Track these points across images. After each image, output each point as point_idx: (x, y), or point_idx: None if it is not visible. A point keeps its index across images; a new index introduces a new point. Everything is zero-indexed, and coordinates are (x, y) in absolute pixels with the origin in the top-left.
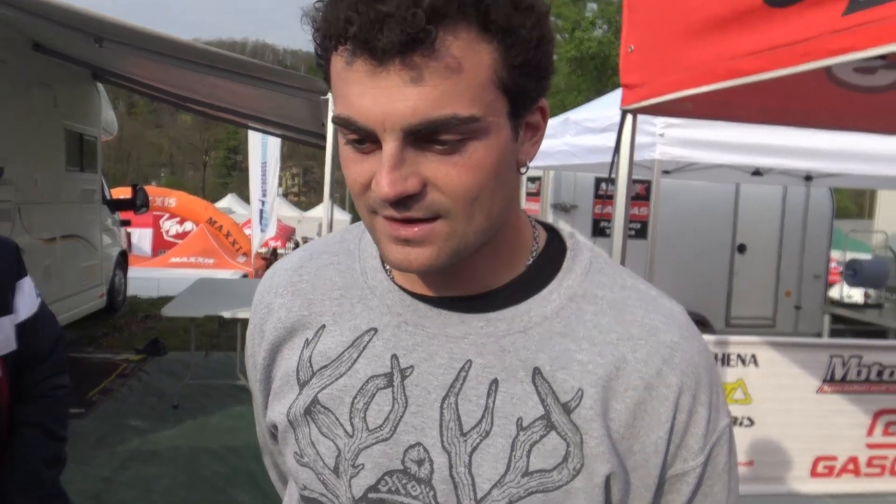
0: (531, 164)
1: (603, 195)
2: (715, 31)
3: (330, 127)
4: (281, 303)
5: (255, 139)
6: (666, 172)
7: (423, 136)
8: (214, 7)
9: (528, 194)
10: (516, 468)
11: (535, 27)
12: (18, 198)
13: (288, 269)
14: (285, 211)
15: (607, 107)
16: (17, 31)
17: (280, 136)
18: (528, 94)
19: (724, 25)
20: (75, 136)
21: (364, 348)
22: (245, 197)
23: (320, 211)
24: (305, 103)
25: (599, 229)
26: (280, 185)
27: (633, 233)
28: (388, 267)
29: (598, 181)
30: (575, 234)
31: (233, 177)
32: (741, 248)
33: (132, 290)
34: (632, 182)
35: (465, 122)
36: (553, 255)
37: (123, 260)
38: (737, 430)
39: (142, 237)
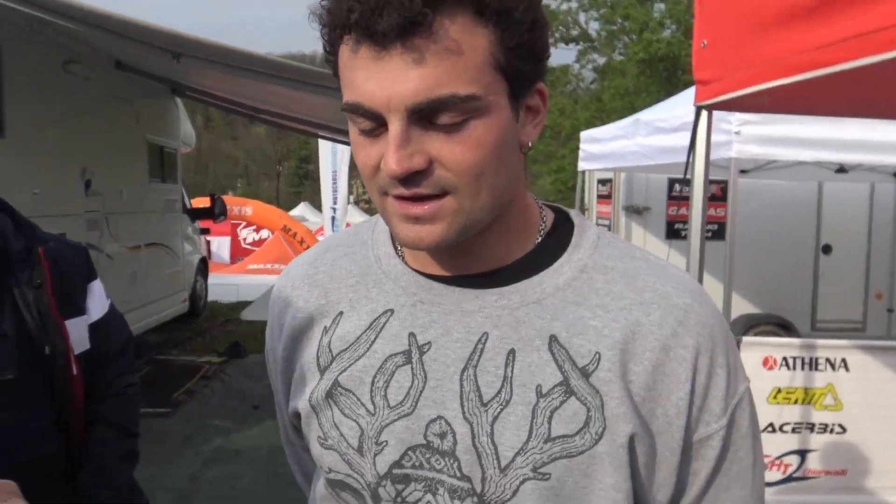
0: (603, 167)
1: (677, 196)
2: (792, 21)
3: None
4: (298, 294)
5: (325, 148)
6: (743, 172)
7: (426, 116)
8: (280, 22)
9: (600, 197)
10: (538, 435)
11: (528, 10)
12: (106, 208)
13: (304, 263)
14: (356, 217)
15: (679, 106)
16: (100, 51)
17: (349, 143)
18: (525, 75)
19: (802, 15)
20: (157, 148)
21: (381, 329)
22: (317, 205)
23: None
24: None
25: (674, 231)
26: (350, 192)
27: (709, 234)
28: (400, 252)
29: (672, 182)
30: (580, 213)
31: (305, 186)
32: (826, 249)
33: (213, 296)
34: (708, 182)
35: (464, 100)
36: (561, 231)
37: (204, 266)
38: (828, 437)
39: (220, 245)
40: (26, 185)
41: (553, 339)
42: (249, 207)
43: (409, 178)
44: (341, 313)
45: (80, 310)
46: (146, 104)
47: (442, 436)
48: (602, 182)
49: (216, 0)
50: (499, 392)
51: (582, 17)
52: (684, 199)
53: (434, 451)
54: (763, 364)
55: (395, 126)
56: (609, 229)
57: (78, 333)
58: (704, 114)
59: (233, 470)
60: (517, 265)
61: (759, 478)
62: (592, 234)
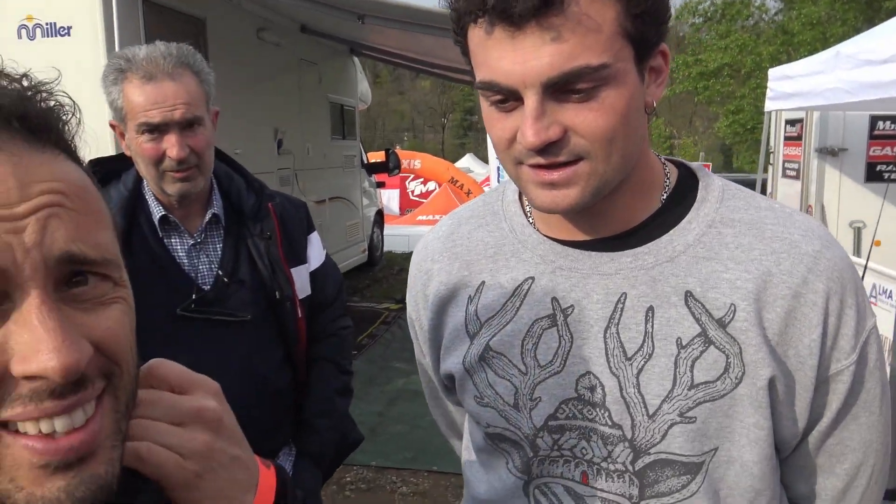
0: (796, 106)
1: (881, 135)
2: None
3: None
4: (439, 268)
5: None
6: None
7: (560, 88)
8: None
9: (787, 139)
10: (682, 383)
11: None
12: (295, 165)
13: (440, 236)
14: None
15: (886, 35)
16: (287, 17)
17: None
18: (649, 40)
19: None
20: (337, 107)
21: (525, 296)
22: (482, 156)
23: None
24: None
25: (875, 173)
26: None
27: None
28: (532, 221)
29: (874, 120)
30: (703, 167)
31: (469, 137)
32: None
33: (387, 246)
34: None
35: (596, 70)
36: (686, 188)
37: (380, 218)
38: None
39: (390, 197)
40: (230, 147)
41: (689, 295)
42: (418, 161)
43: (546, 148)
44: (483, 283)
45: (302, 259)
46: (327, 65)
47: (591, 389)
48: (791, 123)
49: None
50: (641, 346)
51: None
52: (891, 139)
53: (585, 402)
54: None
55: (530, 100)
56: (798, 173)
57: (301, 280)
58: None
59: (415, 409)
60: (646, 225)
61: (886, 405)
62: (716, 188)
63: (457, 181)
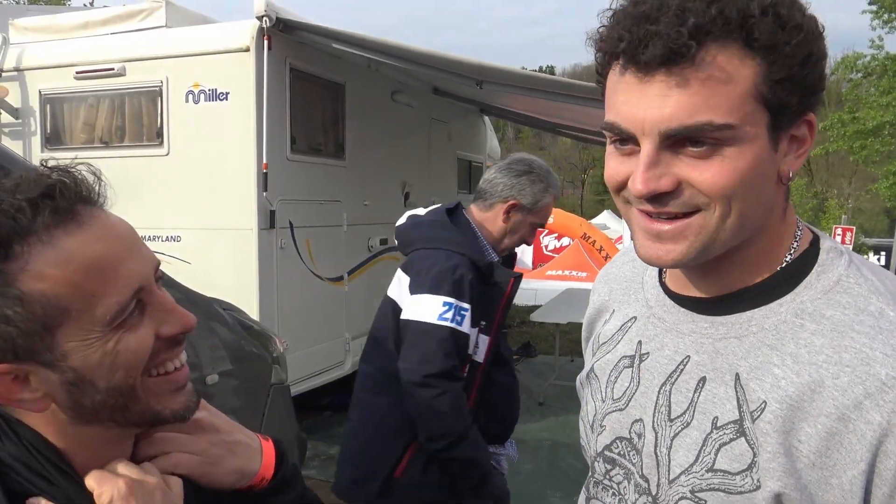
0: None
1: None
2: None
3: None
4: (597, 287)
5: None
6: None
7: (678, 141)
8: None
9: None
10: (703, 462)
11: (802, 45)
12: None
13: (611, 262)
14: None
15: None
16: (420, 81)
17: None
18: (790, 107)
19: None
20: (465, 163)
21: (625, 333)
22: (619, 214)
23: None
24: None
25: None
26: None
27: None
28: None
29: None
30: (839, 247)
31: (608, 194)
32: None
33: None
34: None
35: (719, 128)
36: (803, 266)
37: None
38: None
39: (524, 251)
40: (359, 199)
41: (738, 378)
42: (552, 216)
43: (656, 198)
44: (614, 311)
45: None
46: (457, 124)
47: (640, 435)
48: None
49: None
50: (684, 413)
51: None
52: None
53: (633, 446)
54: None
55: (646, 147)
56: None
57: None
58: None
59: (519, 457)
60: (741, 295)
61: None
62: (832, 276)
63: (589, 237)
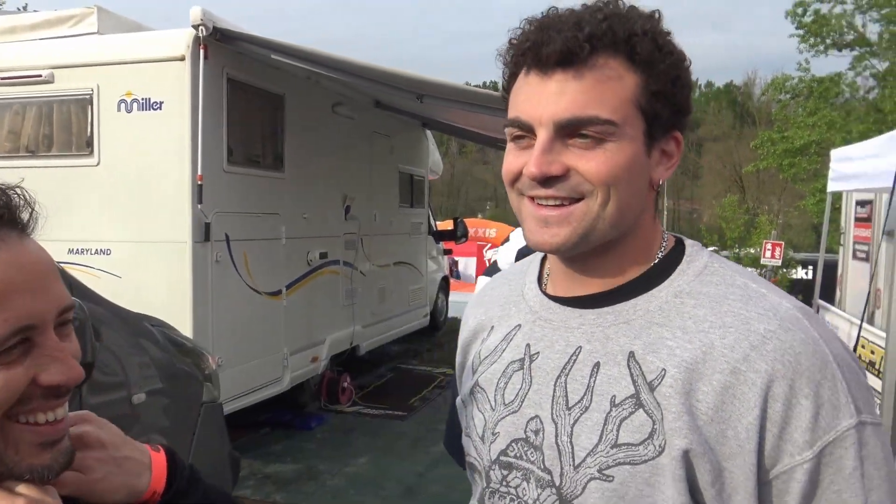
0: (855, 188)
1: None
2: None
3: None
4: (471, 312)
5: None
6: None
7: (569, 132)
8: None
9: (857, 220)
10: (607, 440)
11: (673, 67)
12: (361, 230)
13: (482, 288)
14: None
15: None
16: (362, 93)
17: None
18: (662, 120)
19: None
20: (407, 177)
21: (511, 340)
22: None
23: None
24: None
25: None
26: None
27: None
28: (544, 280)
29: None
30: (699, 244)
31: None
32: None
33: (453, 312)
34: None
35: (603, 123)
36: (673, 260)
37: (445, 284)
38: None
39: (467, 265)
40: (298, 211)
41: (631, 356)
42: (494, 229)
43: (546, 181)
44: (492, 327)
45: None
46: (399, 137)
47: (536, 432)
48: (861, 203)
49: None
50: (581, 399)
51: (859, 20)
52: None
53: (530, 444)
54: None
55: (541, 136)
56: (867, 255)
57: None
58: None
59: (456, 472)
60: (623, 289)
61: None
62: (699, 263)
63: None
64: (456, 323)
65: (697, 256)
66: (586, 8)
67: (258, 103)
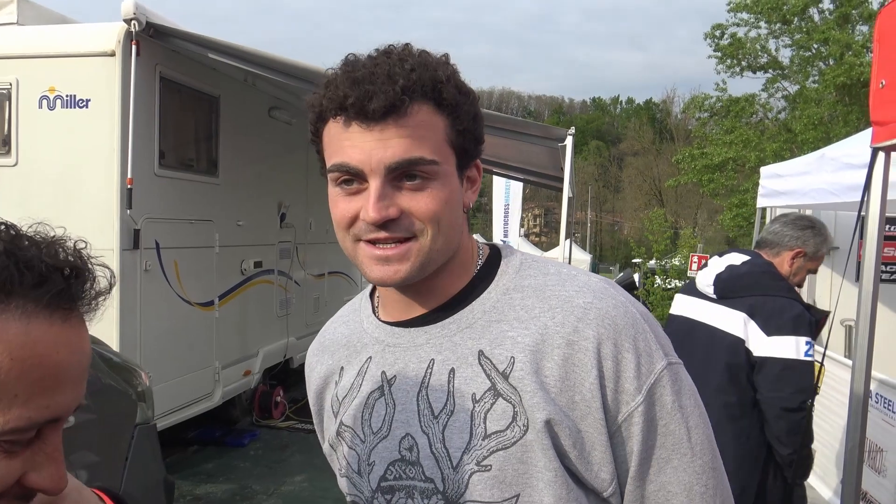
0: (785, 204)
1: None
2: None
3: (567, 169)
4: (316, 360)
5: (498, 183)
6: None
7: (398, 175)
8: (462, 60)
9: None
10: (477, 434)
11: (472, 105)
12: (297, 239)
13: (319, 335)
14: (526, 250)
15: (868, 140)
16: (300, 98)
17: (521, 179)
18: (468, 152)
19: None
20: None
21: (365, 373)
22: (488, 237)
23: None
24: (544, 149)
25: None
26: (522, 225)
27: (893, 277)
28: (377, 311)
29: (864, 220)
30: (511, 247)
31: (477, 218)
32: None
33: None
34: (884, 224)
35: (429, 163)
36: (493, 265)
37: None
38: None
39: None
40: (233, 218)
41: (481, 354)
42: None
43: (385, 224)
44: (342, 368)
45: None
46: None
47: (410, 449)
48: None
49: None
50: (445, 405)
51: (772, 45)
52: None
53: (407, 462)
54: None
55: (375, 182)
56: None
57: None
58: (881, 156)
59: None
60: (455, 298)
61: (699, 447)
62: (515, 261)
63: None
64: None
65: (512, 257)
66: (389, 58)
67: (192, 104)
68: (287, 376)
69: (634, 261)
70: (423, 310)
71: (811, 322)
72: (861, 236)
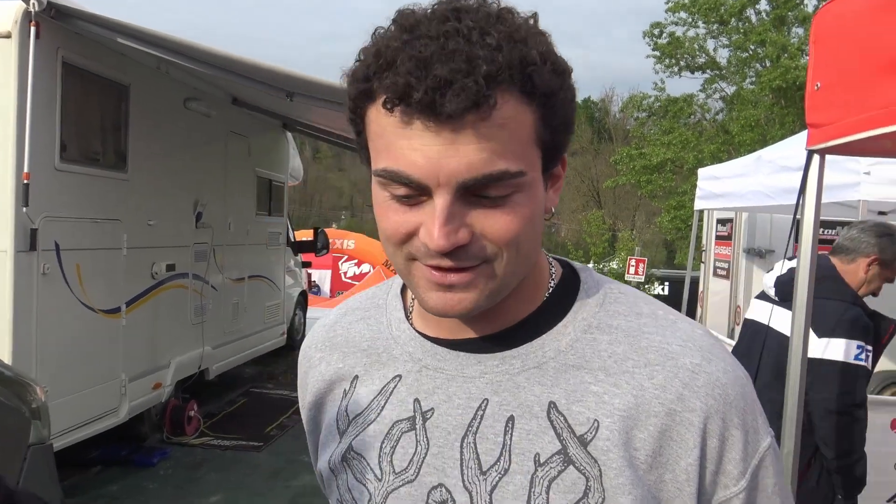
0: (722, 206)
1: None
2: None
3: None
4: (320, 357)
5: None
6: (882, 213)
7: (473, 191)
8: None
9: (718, 238)
10: None
11: (568, 90)
12: (214, 240)
13: (326, 325)
14: None
15: (804, 143)
16: (218, 88)
17: None
18: (560, 148)
19: None
20: (265, 182)
21: (390, 395)
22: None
23: None
24: None
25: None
26: None
27: None
28: (410, 316)
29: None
30: (589, 268)
31: None
32: None
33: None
34: (818, 226)
35: (514, 176)
36: (568, 289)
37: (304, 300)
38: None
39: (322, 278)
40: (143, 217)
41: (552, 406)
42: (352, 241)
43: (453, 252)
44: (357, 377)
45: None
46: (258, 139)
47: (445, 502)
48: (721, 222)
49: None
50: (498, 460)
51: (710, 45)
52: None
53: None
54: (891, 427)
55: (442, 200)
56: (727, 272)
57: None
58: (816, 158)
59: None
60: (521, 326)
61: None
62: (597, 290)
63: (391, 264)
64: None
65: (592, 283)
66: (461, 23)
67: (99, 93)
68: (202, 389)
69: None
70: (478, 332)
71: (867, 327)
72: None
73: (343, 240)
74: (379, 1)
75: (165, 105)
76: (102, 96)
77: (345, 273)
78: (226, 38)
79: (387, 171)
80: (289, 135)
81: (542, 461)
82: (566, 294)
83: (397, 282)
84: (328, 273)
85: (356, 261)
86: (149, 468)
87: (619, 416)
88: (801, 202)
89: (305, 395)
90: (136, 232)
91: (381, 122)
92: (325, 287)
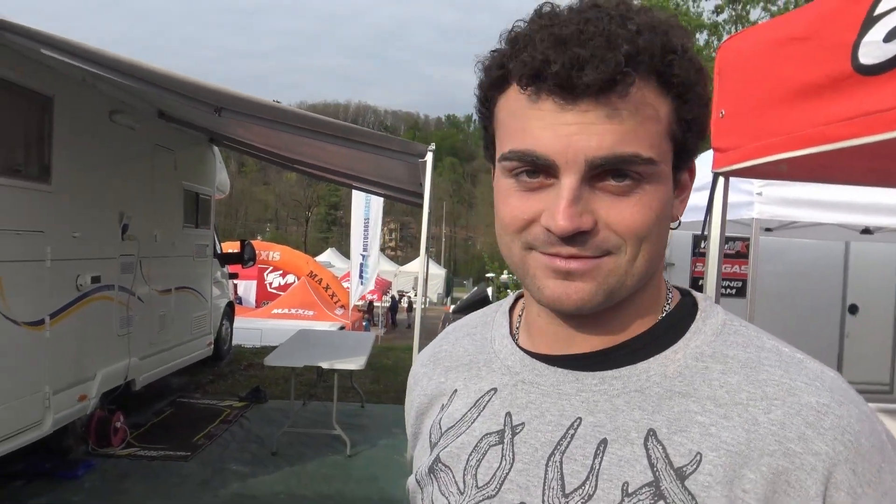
0: None
1: (702, 253)
2: (807, 97)
3: (427, 185)
4: (424, 372)
5: (358, 197)
6: (768, 230)
7: (601, 174)
8: (317, 72)
9: None
10: None
11: (705, 88)
12: (140, 252)
13: (435, 342)
14: (383, 265)
15: (704, 164)
16: (144, 102)
17: (380, 194)
18: (689, 149)
19: (816, 92)
20: (192, 195)
21: (483, 408)
22: (344, 251)
23: (416, 265)
24: (403, 164)
25: (698, 288)
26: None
27: (732, 291)
28: (516, 333)
29: (696, 238)
30: (710, 298)
31: (333, 232)
32: (853, 309)
33: (236, 340)
34: (724, 243)
35: (644, 162)
36: (684, 315)
37: (231, 311)
38: None
39: (247, 288)
40: (67, 229)
41: (651, 434)
42: (278, 252)
43: (574, 237)
44: (456, 391)
45: None
46: (184, 152)
47: None
48: None
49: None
50: (583, 484)
51: None
52: None
53: None
54: None
55: (569, 180)
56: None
57: None
58: (721, 180)
59: None
60: (627, 347)
61: None
62: (717, 321)
63: (315, 275)
64: (242, 352)
65: (713, 311)
66: (601, 11)
67: (21, 104)
68: (128, 400)
69: (488, 275)
70: (580, 349)
71: None
72: (695, 254)
73: (269, 251)
74: (297, 19)
75: (90, 117)
76: (25, 108)
77: (270, 283)
78: (154, 50)
79: (513, 152)
80: (215, 148)
81: (629, 491)
82: (681, 319)
83: (507, 301)
84: (254, 283)
85: (281, 272)
86: (73, 480)
87: (725, 451)
88: (708, 220)
89: (410, 411)
90: (60, 244)
91: (512, 106)
92: (251, 297)
